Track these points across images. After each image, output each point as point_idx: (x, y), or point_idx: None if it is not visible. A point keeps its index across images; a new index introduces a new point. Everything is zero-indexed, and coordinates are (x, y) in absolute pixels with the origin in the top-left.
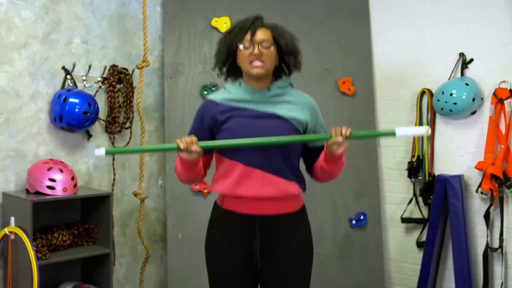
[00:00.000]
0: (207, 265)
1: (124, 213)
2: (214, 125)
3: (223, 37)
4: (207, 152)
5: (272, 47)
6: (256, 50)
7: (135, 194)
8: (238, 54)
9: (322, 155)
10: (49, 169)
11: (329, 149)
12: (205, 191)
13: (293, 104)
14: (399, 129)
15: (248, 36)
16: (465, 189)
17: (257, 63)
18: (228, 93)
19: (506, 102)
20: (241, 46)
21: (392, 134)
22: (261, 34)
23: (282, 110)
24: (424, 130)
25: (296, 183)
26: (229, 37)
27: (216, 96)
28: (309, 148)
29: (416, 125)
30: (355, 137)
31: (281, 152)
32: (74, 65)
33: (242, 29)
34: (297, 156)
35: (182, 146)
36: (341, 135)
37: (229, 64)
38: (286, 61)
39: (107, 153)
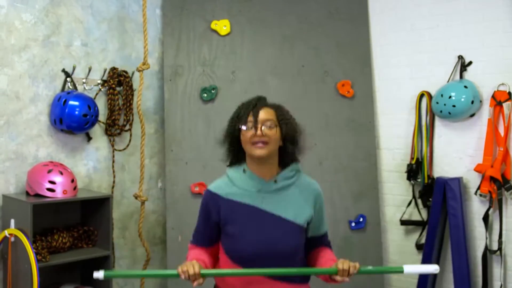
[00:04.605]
0: None
1: (124, 216)
2: (219, 220)
3: (229, 122)
4: (214, 243)
5: (276, 128)
6: (259, 131)
7: (136, 197)
8: (241, 136)
9: (322, 258)
10: (49, 171)
11: (331, 277)
12: None
13: (300, 197)
14: (407, 266)
15: (251, 117)
16: (464, 192)
17: (259, 144)
18: (232, 184)
19: (504, 105)
20: (244, 127)
21: (400, 271)
22: (264, 114)
23: (289, 210)
24: (433, 268)
25: (302, 283)
26: (234, 122)
27: (218, 189)
28: (308, 238)
29: (415, 127)
30: (362, 273)
31: (287, 254)
32: (74, 68)
33: (245, 111)
34: (302, 250)
35: (183, 277)
36: (348, 274)
37: (234, 149)
38: (286, 148)
39: (105, 276)
